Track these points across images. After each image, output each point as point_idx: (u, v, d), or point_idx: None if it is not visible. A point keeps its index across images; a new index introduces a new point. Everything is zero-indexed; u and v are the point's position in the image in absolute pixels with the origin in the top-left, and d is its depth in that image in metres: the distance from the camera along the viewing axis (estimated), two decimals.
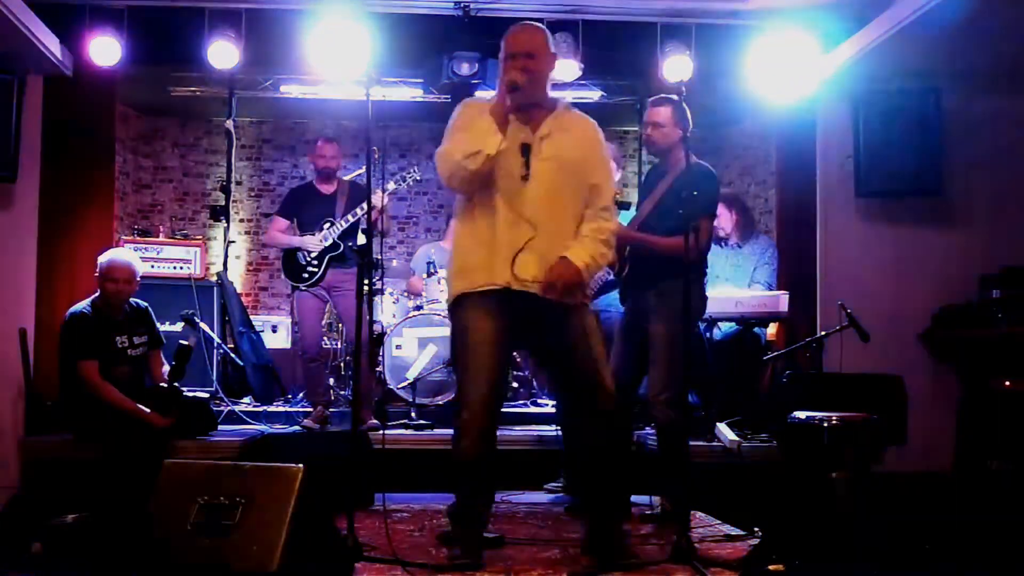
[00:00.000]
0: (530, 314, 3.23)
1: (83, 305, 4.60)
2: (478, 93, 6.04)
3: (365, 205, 5.23)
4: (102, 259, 4.62)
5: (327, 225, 5.45)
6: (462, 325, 3.28)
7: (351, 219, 5.42)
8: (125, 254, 4.76)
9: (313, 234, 5.46)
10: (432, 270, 6.26)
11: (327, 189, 5.59)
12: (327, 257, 5.43)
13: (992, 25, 4.61)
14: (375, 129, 3.63)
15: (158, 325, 4.88)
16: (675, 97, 3.97)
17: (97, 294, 4.62)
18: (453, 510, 3.41)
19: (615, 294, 4.94)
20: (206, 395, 5.11)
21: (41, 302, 5.31)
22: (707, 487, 4.30)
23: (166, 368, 4.74)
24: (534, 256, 3.19)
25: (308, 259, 5.45)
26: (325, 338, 6.56)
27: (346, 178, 5.77)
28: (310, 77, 7.02)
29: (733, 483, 4.51)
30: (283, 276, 5.71)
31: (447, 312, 3.49)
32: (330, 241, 5.42)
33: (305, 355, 5.58)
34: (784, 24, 5.35)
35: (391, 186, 5.63)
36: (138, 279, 4.69)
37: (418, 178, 5.78)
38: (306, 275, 5.44)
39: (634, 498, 4.34)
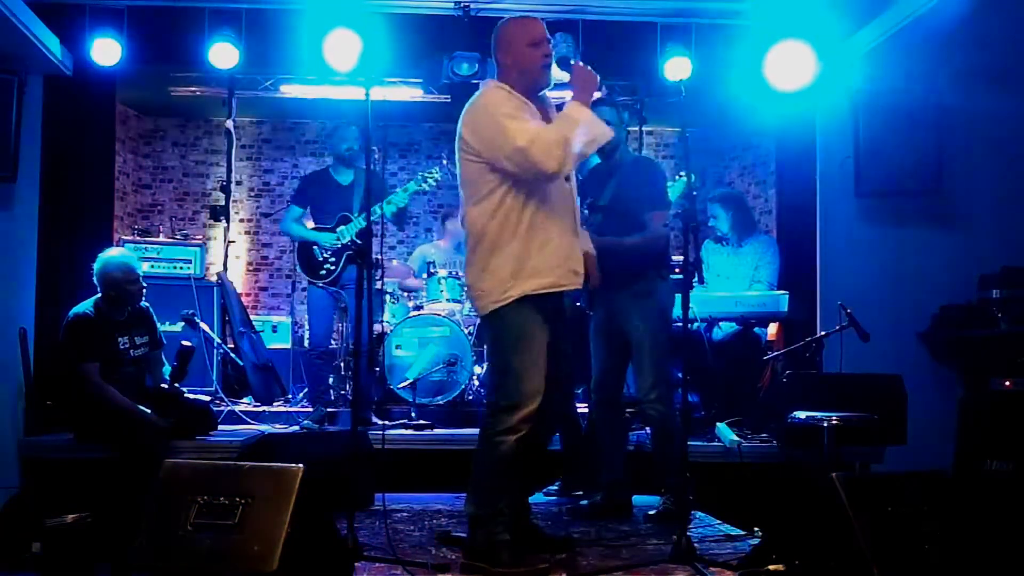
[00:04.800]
0: (560, 310, 3.36)
1: (86, 306, 4.58)
2: None
3: (383, 205, 5.27)
4: (112, 263, 4.56)
5: (344, 221, 5.43)
6: (524, 325, 3.20)
7: (371, 218, 5.39)
8: (126, 253, 4.75)
9: (332, 229, 5.44)
10: (432, 270, 6.26)
11: (344, 179, 5.55)
12: (345, 255, 5.42)
13: (992, 25, 4.62)
14: (375, 129, 3.63)
15: (159, 326, 4.88)
16: (603, 93, 3.90)
17: (100, 295, 4.60)
18: (485, 516, 3.23)
19: None
20: (207, 397, 5.11)
21: (41, 302, 5.32)
22: (707, 487, 4.30)
23: (167, 369, 4.74)
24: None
25: (325, 256, 5.43)
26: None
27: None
28: (310, 77, 7.01)
29: (733, 483, 4.51)
30: (297, 270, 5.69)
31: (500, 305, 3.22)
32: (347, 239, 5.41)
33: (312, 352, 5.57)
34: (784, 24, 5.35)
35: (412, 186, 5.62)
36: None
37: (439, 177, 5.77)
38: (324, 272, 5.43)
39: (636, 498, 4.35)
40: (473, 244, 3.29)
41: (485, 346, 3.29)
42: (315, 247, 5.45)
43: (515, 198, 3.20)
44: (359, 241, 5.40)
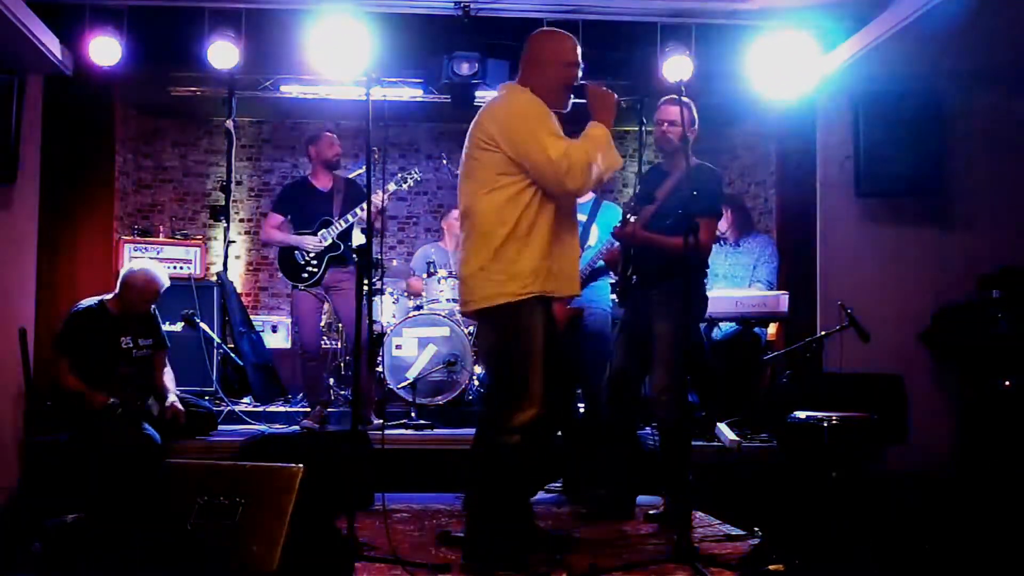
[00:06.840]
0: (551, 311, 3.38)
1: (91, 301, 4.60)
2: (479, 93, 6.05)
3: (365, 205, 5.25)
4: (141, 275, 4.59)
5: (325, 224, 5.44)
6: (530, 324, 3.17)
7: (350, 219, 5.41)
8: (161, 276, 4.73)
9: (313, 233, 5.44)
10: (432, 270, 6.26)
11: (324, 185, 5.56)
12: (327, 257, 5.42)
13: (992, 25, 4.61)
14: (375, 129, 3.62)
15: (164, 328, 4.89)
16: (687, 98, 3.97)
17: (113, 295, 4.61)
18: (486, 517, 3.20)
19: (600, 288, 4.95)
20: (198, 408, 5.09)
21: (41, 302, 5.31)
22: (707, 487, 4.31)
23: (168, 371, 4.75)
24: None
25: (307, 259, 5.43)
26: (325, 338, 6.56)
27: (351, 175, 5.76)
28: (310, 77, 7.02)
29: (733, 483, 4.51)
30: (280, 275, 5.70)
31: (514, 300, 3.15)
32: (329, 241, 5.41)
33: (305, 355, 5.58)
34: (784, 24, 5.35)
35: (391, 187, 5.63)
36: None
37: (418, 179, 5.77)
38: (305, 275, 5.43)
39: (639, 499, 4.36)
40: (483, 232, 3.17)
41: (481, 341, 3.17)
42: (297, 251, 5.45)
43: (535, 195, 3.17)
44: (340, 243, 5.41)
